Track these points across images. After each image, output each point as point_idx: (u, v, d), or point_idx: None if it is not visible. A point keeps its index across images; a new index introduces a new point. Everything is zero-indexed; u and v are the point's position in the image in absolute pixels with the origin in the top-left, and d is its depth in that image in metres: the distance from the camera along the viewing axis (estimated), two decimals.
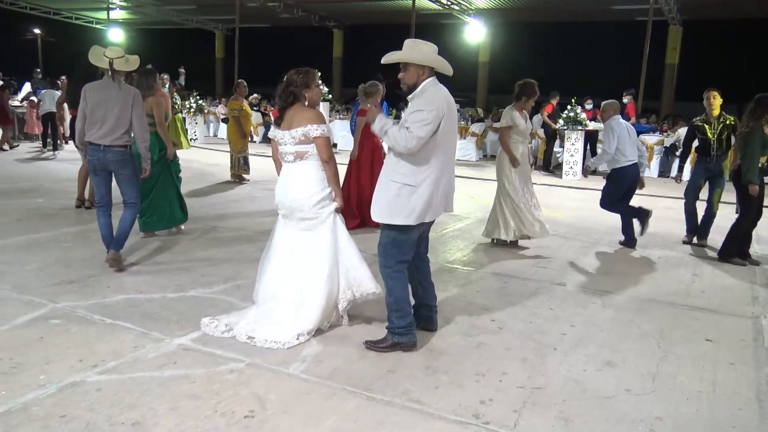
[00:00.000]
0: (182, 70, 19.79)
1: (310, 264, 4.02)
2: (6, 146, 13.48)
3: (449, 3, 19.22)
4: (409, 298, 3.88)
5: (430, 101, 3.62)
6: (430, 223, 3.92)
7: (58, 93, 13.27)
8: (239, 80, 10.79)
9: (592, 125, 13.01)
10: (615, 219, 8.31)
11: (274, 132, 4.09)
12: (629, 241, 6.79)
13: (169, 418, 2.92)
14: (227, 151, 11.06)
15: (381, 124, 3.73)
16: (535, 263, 6.02)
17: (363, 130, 6.99)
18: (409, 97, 3.77)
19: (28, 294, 4.51)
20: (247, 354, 3.65)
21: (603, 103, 6.83)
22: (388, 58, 3.76)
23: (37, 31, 35.46)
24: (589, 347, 3.99)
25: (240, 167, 10.46)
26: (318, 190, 4.02)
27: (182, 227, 6.65)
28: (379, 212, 3.77)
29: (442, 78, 3.80)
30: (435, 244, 6.31)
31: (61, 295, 4.51)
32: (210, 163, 13.01)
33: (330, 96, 17.14)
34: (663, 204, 9.32)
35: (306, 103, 4.05)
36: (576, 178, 12.47)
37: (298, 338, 3.84)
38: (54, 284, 4.77)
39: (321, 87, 4.03)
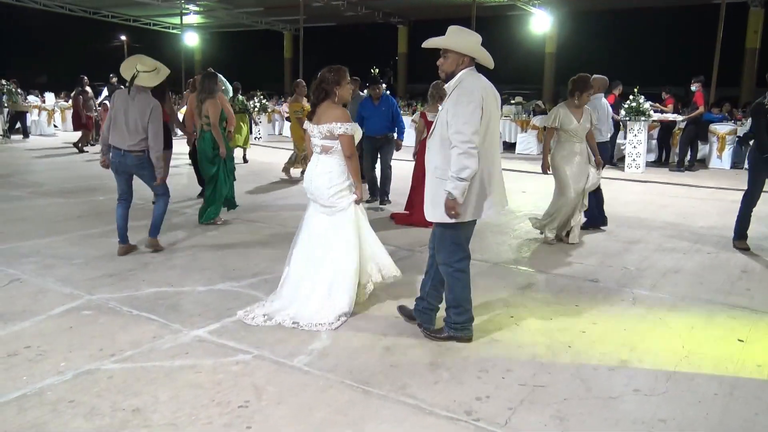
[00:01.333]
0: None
1: (337, 249, 4.27)
2: (85, 148, 14.30)
3: None
4: (469, 296, 3.85)
5: (470, 90, 3.53)
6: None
7: None
8: (297, 80, 10.91)
9: (656, 116, 12.47)
10: (668, 213, 7.99)
11: (307, 124, 4.37)
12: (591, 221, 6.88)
13: (168, 406, 3.04)
14: (288, 149, 11.28)
15: (456, 190, 3.52)
16: (573, 259, 5.85)
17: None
18: (446, 85, 3.74)
19: (69, 286, 4.79)
20: (257, 346, 3.75)
21: (592, 77, 6.53)
22: (429, 43, 3.72)
23: (123, 38, 37.44)
24: (606, 345, 3.85)
25: (299, 161, 10.45)
26: (338, 183, 4.26)
27: (222, 219, 7.10)
28: (433, 213, 3.74)
29: (483, 70, 3.72)
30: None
31: (98, 288, 4.77)
32: (267, 161, 13.33)
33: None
34: (732, 197, 8.80)
35: (336, 100, 4.26)
36: (639, 170, 11.98)
37: (339, 319, 4.11)
38: (94, 277, 5.04)
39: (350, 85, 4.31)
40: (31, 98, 20.10)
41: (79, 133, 14.81)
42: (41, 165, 12.19)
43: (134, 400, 3.09)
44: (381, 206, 8.24)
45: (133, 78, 5.43)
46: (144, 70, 5.46)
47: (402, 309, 4.27)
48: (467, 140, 3.46)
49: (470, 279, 3.87)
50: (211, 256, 5.75)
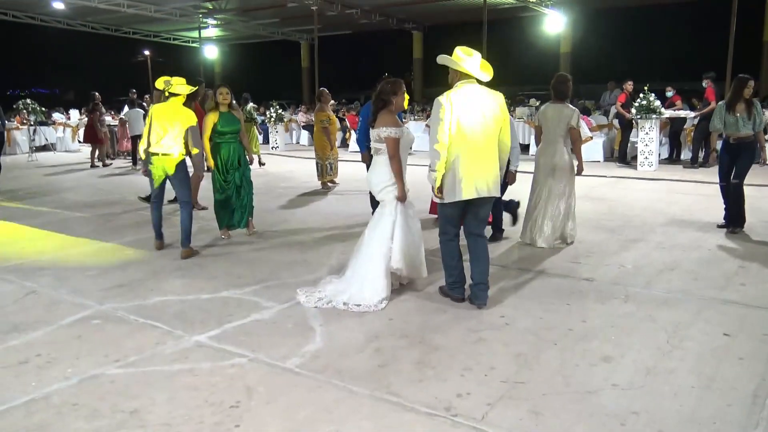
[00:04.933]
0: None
1: (374, 239, 4.85)
2: (99, 163, 14.71)
3: None
4: (454, 263, 4.71)
5: (436, 101, 4.47)
6: (476, 205, 4.59)
7: (143, 113, 14.36)
8: (321, 89, 10.93)
9: (668, 113, 12.43)
10: (674, 210, 8.01)
11: (370, 129, 5.00)
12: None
13: (164, 407, 3.23)
14: (307, 158, 11.44)
15: (429, 178, 4.60)
16: (571, 258, 5.93)
17: None
18: None
19: (80, 297, 5.03)
20: (254, 350, 3.92)
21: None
22: (439, 59, 4.64)
23: (147, 53, 38.24)
24: (591, 342, 3.95)
25: (327, 174, 10.67)
26: (384, 180, 4.88)
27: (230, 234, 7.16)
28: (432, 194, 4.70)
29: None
30: None
31: (108, 298, 5.00)
32: (284, 170, 13.57)
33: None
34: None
35: (393, 108, 4.89)
36: (651, 168, 11.95)
37: (381, 302, 4.65)
38: (106, 288, 5.27)
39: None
40: (57, 115, 20.70)
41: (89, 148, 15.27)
42: (64, 181, 12.59)
43: (133, 402, 3.29)
44: None
45: (167, 88, 6.15)
46: (176, 83, 6.23)
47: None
48: (433, 141, 4.45)
49: (456, 251, 4.70)
50: (219, 265, 5.95)
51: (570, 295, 4.86)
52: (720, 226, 6.93)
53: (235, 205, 6.98)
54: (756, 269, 5.47)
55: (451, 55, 4.54)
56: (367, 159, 7.47)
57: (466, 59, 4.49)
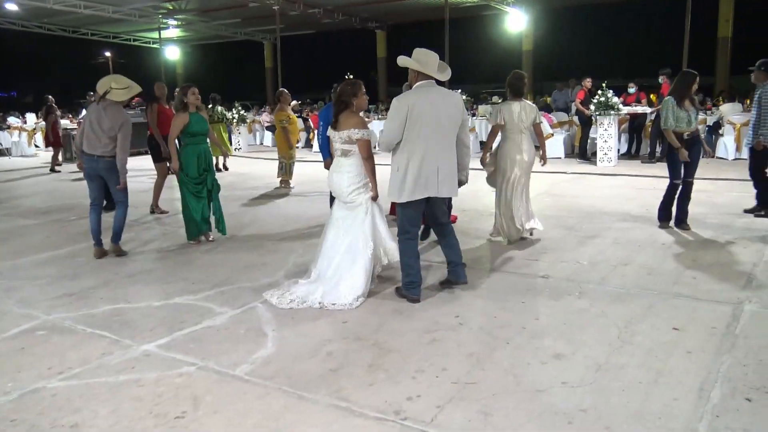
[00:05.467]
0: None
1: (354, 238, 4.88)
2: (57, 167, 14.38)
3: None
4: (414, 263, 4.72)
5: (395, 101, 4.58)
6: (435, 203, 4.77)
7: None
8: (281, 89, 10.91)
9: (627, 109, 12.61)
10: (632, 206, 8.12)
11: (331, 131, 5.00)
12: None
13: (107, 420, 3.13)
14: (270, 159, 11.35)
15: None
16: (528, 256, 5.96)
17: None
18: None
19: (28, 307, 4.87)
20: (203, 357, 3.84)
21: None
22: (399, 61, 4.74)
23: (108, 54, 37.53)
24: (544, 340, 3.95)
25: (288, 172, 10.64)
26: (355, 182, 4.90)
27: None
28: (389, 193, 4.73)
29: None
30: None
31: (56, 308, 4.85)
32: (246, 171, 13.42)
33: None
34: (697, 186, 8.90)
35: (354, 109, 4.91)
36: (611, 164, 12.11)
37: (357, 299, 4.69)
38: (55, 297, 5.12)
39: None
40: (12, 119, 20.18)
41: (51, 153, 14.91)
42: (18, 186, 12.26)
43: (74, 416, 3.18)
44: None
45: (106, 93, 6.12)
46: (117, 87, 6.18)
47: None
48: (382, 137, 4.67)
49: (416, 251, 4.77)
50: (174, 270, 5.84)
51: (525, 293, 4.87)
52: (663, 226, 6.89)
53: (206, 211, 6.76)
54: (708, 263, 5.56)
55: (410, 56, 4.63)
56: (330, 166, 7.44)
57: (425, 60, 4.58)
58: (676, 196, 6.82)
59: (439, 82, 4.77)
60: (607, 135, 12.13)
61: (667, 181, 6.88)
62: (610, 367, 3.53)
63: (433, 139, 4.56)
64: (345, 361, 3.73)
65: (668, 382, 3.34)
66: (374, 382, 3.45)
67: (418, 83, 4.60)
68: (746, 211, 7.40)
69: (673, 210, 6.88)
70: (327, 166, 7.41)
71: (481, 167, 6.60)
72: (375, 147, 5.22)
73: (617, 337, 3.95)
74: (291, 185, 10.78)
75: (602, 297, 4.72)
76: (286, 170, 10.63)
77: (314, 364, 3.70)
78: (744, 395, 3.18)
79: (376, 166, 4.95)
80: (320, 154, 7.17)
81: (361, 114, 5.24)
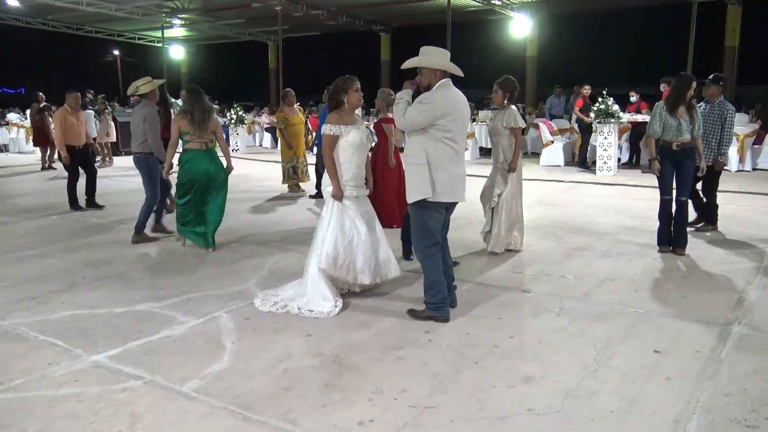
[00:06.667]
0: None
1: (314, 241, 4.80)
2: (55, 165, 14.22)
3: None
4: (441, 278, 4.32)
5: (431, 97, 4.19)
6: (450, 210, 4.48)
7: (92, 113, 14.05)
8: (286, 89, 10.45)
9: (627, 117, 12.35)
10: (626, 217, 7.87)
11: None
12: None
13: None
14: (267, 161, 11.08)
15: (399, 96, 4.33)
16: (513, 268, 5.72)
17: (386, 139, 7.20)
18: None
19: None
20: (153, 371, 3.63)
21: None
22: (405, 65, 4.38)
23: (116, 52, 37.56)
24: (515, 361, 3.72)
25: (290, 177, 10.19)
26: (326, 179, 4.82)
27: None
28: (408, 195, 4.33)
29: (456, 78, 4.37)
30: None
31: (13, 312, 4.65)
32: (240, 173, 13.20)
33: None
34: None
35: (346, 107, 4.74)
36: (610, 173, 11.85)
37: (335, 307, 4.53)
38: (15, 301, 4.92)
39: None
40: (12, 116, 20.08)
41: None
42: (6, 183, 12.11)
43: None
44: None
45: (135, 93, 6.80)
46: (141, 84, 6.74)
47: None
48: (403, 116, 4.19)
49: (440, 265, 4.34)
50: (144, 275, 5.64)
51: (503, 308, 4.63)
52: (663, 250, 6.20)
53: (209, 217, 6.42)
54: (698, 280, 5.31)
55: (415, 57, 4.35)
56: None
57: (441, 57, 4.29)
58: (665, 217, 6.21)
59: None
60: (606, 143, 11.88)
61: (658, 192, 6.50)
62: (581, 394, 3.29)
63: (460, 141, 4.36)
64: (300, 379, 3.51)
65: (642, 412, 3.10)
66: (327, 404, 3.22)
67: (441, 82, 4.25)
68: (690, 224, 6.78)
69: None
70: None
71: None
72: (371, 145, 5.07)
73: (593, 360, 3.71)
74: (301, 189, 10.36)
75: (583, 314, 4.48)
76: (286, 175, 10.26)
77: (267, 382, 3.48)
78: (723, 428, 2.94)
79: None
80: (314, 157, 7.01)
81: (357, 112, 5.08)
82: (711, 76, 6.83)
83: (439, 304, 4.33)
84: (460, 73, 4.34)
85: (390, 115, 7.85)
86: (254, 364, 3.73)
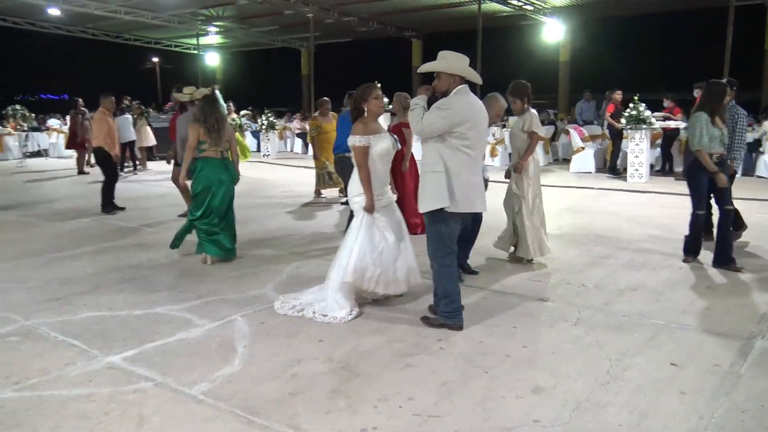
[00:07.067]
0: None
1: (342, 250, 4.75)
2: (88, 169, 14.58)
3: (520, 4, 18.66)
4: (457, 288, 4.31)
5: (450, 103, 4.11)
6: (467, 220, 4.44)
7: (130, 118, 14.37)
8: (323, 99, 10.34)
9: (660, 123, 12.10)
10: (653, 225, 7.71)
11: None
12: None
13: None
14: (296, 167, 11.12)
15: (414, 102, 4.30)
16: (532, 276, 5.65)
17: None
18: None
19: (9, 311, 4.79)
20: (164, 373, 3.67)
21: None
22: (423, 68, 4.32)
23: (155, 59, 38.39)
24: (526, 371, 3.66)
25: (325, 183, 10.21)
26: (354, 190, 4.76)
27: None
28: (421, 204, 4.29)
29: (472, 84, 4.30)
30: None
31: (37, 312, 4.77)
32: (269, 177, 13.35)
33: (390, 107, 17.10)
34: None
35: (367, 114, 4.73)
36: (642, 180, 11.63)
37: (350, 314, 4.53)
38: (40, 301, 5.04)
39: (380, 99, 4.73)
40: (52, 121, 20.65)
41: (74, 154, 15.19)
42: (41, 188, 12.45)
43: (13, 431, 3.04)
44: None
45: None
46: (193, 91, 7.27)
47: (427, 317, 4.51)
48: (419, 122, 4.14)
49: (457, 274, 4.40)
50: (165, 278, 5.72)
51: (519, 317, 4.57)
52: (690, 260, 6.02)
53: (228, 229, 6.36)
54: (724, 291, 5.17)
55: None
56: None
57: (461, 63, 4.22)
58: (716, 229, 5.93)
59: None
60: (638, 150, 11.66)
61: (689, 200, 6.30)
62: (591, 406, 3.23)
63: (477, 149, 4.27)
64: (308, 385, 3.51)
65: (652, 426, 3.02)
66: (332, 410, 3.22)
67: (458, 88, 4.16)
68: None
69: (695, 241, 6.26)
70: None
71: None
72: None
73: (606, 371, 3.63)
74: (321, 195, 10.42)
75: (601, 325, 4.39)
76: (321, 181, 10.25)
77: (275, 387, 3.50)
78: None
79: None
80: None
81: (380, 119, 5.00)
82: (724, 80, 6.61)
83: (452, 312, 4.30)
84: (479, 80, 4.31)
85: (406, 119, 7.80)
86: (264, 368, 3.75)
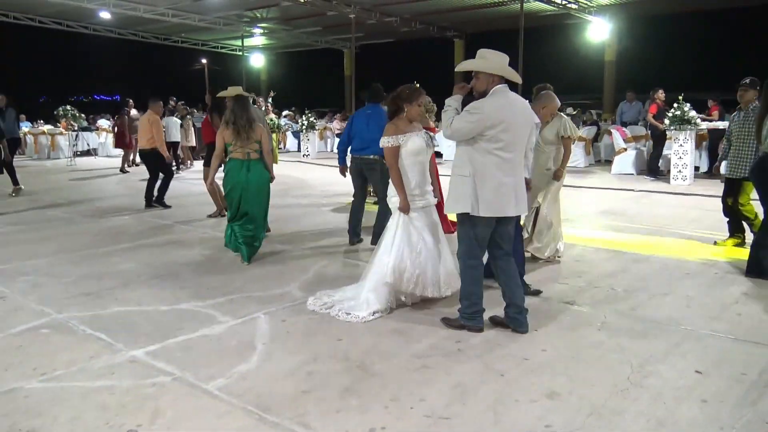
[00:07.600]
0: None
1: (378, 251, 4.76)
2: (127, 168, 14.99)
3: (564, 2, 18.36)
4: (480, 291, 4.26)
5: (480, 107, 3.98)
6: (507, 222, 4.22)
7: (179, 120, 14.70)
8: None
9: (705, 124, 11.74)
10: (692, 228, 7.49)
11: None
12: None
13: (63, 427, 3.08)
14: (332, 166, 11.16)
15: (448, 103, 4.16)
16: (561, 278, 5.55)
17: None
18: None
19: (44, 305, 4.97)
20: (183, 368, 3.74)
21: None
22: (461, 66, 4.30)
23: (204, 61, 39.23)
24: (542, 375, 3.60)
25: None
26: (391, 188, 4.75)
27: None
28: (448, 205, 4.26)
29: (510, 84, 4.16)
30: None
31: (69, 306, 4.92)
32: (307, 177, 13.48)
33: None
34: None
35: (405, 116, 4.71)
36: (686, 182, 11.29)
37: (373, 314, 4.52)
38: (73, 296, 5.21)
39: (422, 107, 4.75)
40: (102, 122, 21.32)
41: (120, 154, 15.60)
42: (86, 185, 12.85)
43: (34, 420, 3.15)
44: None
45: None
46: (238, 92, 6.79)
47: (492, 318, 4.43)
48: (449, 126, 4.03)
49: (482, 277, 4.28)
50: (194, 275, 5.83)
51: (542, 320, 4.49)
52: None
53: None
54: (760, 297, 4.97)
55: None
56: (344, 172, 7.21)
57: (500, 62, 4.09)
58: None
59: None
60: (682, 151, 11.33)
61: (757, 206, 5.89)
62: (606, 412, 3.15)
63: (517, 149, 4.11)
64: (321, 383, 3.53)
65: None
66: (342, 409, 3.23)
67: (496, 88, 4.04)
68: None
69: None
70: (342, 173, 7.23)
71: None
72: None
73: (626, 378, 3.54)
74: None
75: (625, 330, 4.28)
76: None
77: (289, 384, 3.52)
78: None
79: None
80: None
81: (413, 123, 4.82)
82: (747, 80, 6.36)
83: (472, 315, 4.26)
84: (518, 79, 4.18)
85: (432, 123, 7.75)
86: (281, 365, 3.78)
